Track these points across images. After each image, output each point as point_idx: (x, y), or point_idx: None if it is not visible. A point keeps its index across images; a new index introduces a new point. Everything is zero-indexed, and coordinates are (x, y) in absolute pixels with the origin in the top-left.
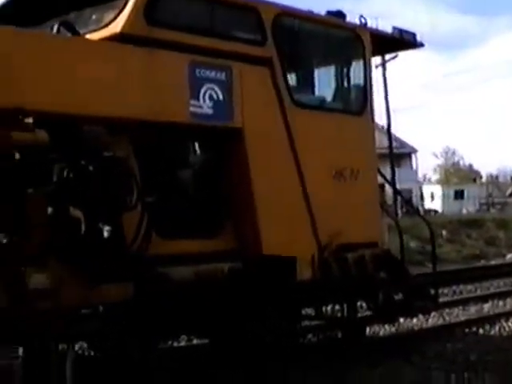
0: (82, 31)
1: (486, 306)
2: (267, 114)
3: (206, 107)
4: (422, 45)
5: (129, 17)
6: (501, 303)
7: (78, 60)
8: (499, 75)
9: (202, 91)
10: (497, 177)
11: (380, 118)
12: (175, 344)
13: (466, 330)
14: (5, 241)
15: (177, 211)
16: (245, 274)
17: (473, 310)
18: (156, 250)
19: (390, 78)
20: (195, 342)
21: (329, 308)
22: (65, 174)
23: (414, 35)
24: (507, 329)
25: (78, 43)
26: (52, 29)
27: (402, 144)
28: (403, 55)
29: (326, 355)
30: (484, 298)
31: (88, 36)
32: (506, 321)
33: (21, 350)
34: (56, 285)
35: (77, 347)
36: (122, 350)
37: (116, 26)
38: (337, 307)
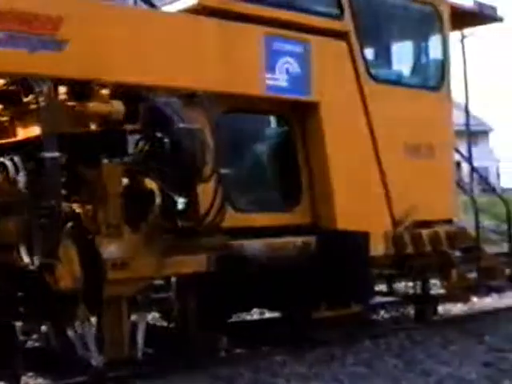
0: (158, 3)
1: None
2: (344, 88)
3: (283, 80)
4: (501, 19)
5: None
6: None
7: (153, 32)
8: None
9: (279, 64)
10: None
11: (458, 96)
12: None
13: None
14: (79, 210)
15: (251, 184)
16: (318, 247)
17: None
18: (230, 223)
19: (469, 55)
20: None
21: (402, 285)
22: (140, 144)
23: (494, 9)
24: None
25: (154, 15)
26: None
27: (479, 122)
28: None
29: (398, 332)
30: None
31: (164, 8)
32: None
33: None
34: (130, 255)
35: (149, 317)
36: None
37: None
38: (410, 284)
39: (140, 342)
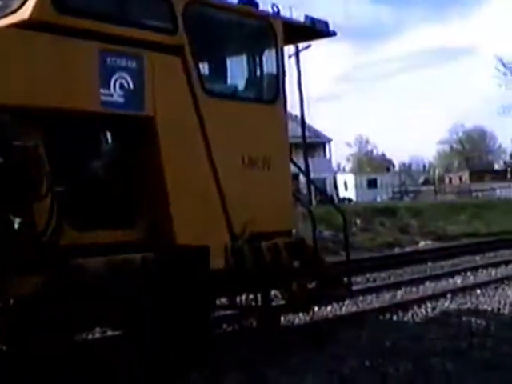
0: None
1: (399, 293)
2: (179, 102)
3: (117, 96)
4: (334, 33)
5: (37, 3)
6: (414, 289)
7: None
8: (410, 66)
9: (113, 80)
10: (409, 165)
11: (294, 108)
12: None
13: (380, 317)
14: None
15: (89, 201)
16: (158, 263)
17: (386, 297)
18: (68, 241)
19: (304, 69)
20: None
21: (243, 297)
22: None
23: (326, 24)
24: (420, 315)
25: None
26: None
27: (316, 134)
28: (319, 45)
29: (241, 345)
30: (397, 285)
31: None
32: (419, 307)
33: None
34: None
35: None
36: (27, 344)
37: (24, 13)
38: (251, 296)
39: None
